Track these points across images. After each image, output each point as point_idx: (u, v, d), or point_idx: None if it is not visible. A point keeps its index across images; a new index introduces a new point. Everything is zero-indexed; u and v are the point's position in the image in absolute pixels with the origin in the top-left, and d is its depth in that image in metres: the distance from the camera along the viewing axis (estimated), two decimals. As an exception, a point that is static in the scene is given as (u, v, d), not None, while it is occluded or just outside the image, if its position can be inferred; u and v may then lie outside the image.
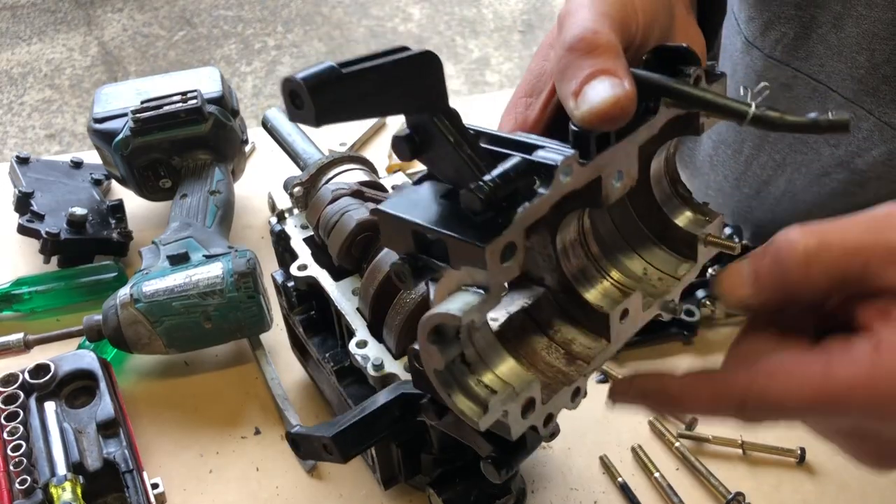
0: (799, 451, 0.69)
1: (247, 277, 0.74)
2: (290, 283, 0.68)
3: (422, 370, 0.40)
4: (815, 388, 0.35)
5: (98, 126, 0.90)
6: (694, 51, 0.42)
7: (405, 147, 0.37)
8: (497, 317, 0.43)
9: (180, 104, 0.88)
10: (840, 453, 0.42)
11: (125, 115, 0.88)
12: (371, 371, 0.56)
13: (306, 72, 0.31)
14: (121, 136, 0.88)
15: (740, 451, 0.70)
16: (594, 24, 0.39)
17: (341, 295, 0.63)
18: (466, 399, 0.39)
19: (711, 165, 0.89)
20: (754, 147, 0.81)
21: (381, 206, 0.38)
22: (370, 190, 0.67)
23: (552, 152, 0.37)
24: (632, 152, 0.40)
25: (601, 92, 0.37)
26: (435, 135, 0.36)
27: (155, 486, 0.66)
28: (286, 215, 0.71)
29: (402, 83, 0.34)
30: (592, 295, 0.43)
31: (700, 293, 0.81)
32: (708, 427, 0.71)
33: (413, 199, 0.38)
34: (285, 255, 0.70)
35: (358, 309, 0.61)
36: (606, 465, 0.69)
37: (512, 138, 0.39)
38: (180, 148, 0.89)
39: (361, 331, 0.59)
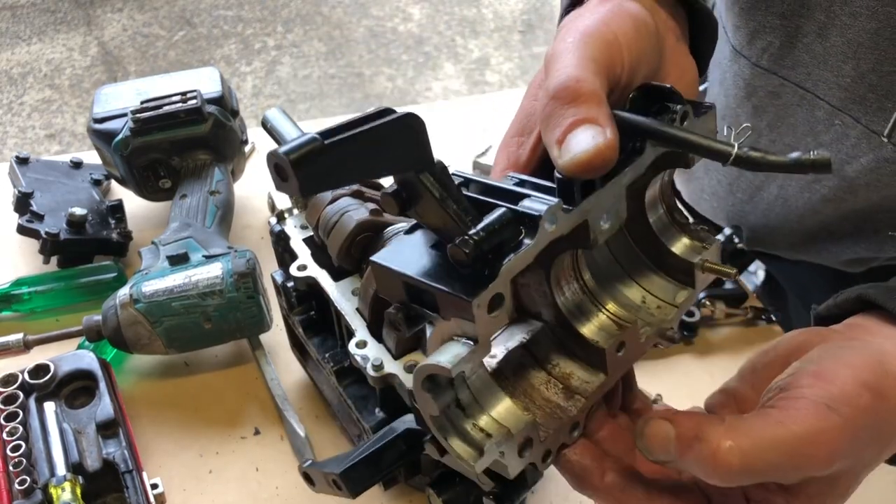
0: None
1: (246, 278, 0.74)
2: (290, 284, 0.68)
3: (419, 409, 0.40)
4: None
5: (98, 126, 0.90)
6: (676, 91, 0.42)
7: (393, 203, 0.37)
8: (496, 353, 0.44)
9: (180, 104, 0.88)
10: None
11: (125, 115, 0.88)
12: (371, 371, 0.57)
13: (289, 145, 0.31)
14: (120, 136, 0.88)
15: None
16: (578, 71, 0.40)
17: (341, 295, 0.63)
18: (462, 443, 0.40)
19: (705, 170, 0.89)
20: None
21: (374, 258, 0.39)
22: (370, 190, 0.67)
23: (537, 202, 0.38)
24: (619, 194, 0.41)
25: (583, 142, 0.37)
26: (421, 191, 0.36)
27: (154, 486, 0.66)
28: (286, 215, 0.71)
29: (386, 146, 0.34)
30: (588, 329, 0.44)
31: (700, 294, 0.81)
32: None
33: (405, 250, 0.39)
34: (285, 255, 0.70)
35: (357, 309, 0.61)
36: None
37: (499, 186, 0.40)
38: (180, 148, 0.89)
39: (361, 331, 0.59)
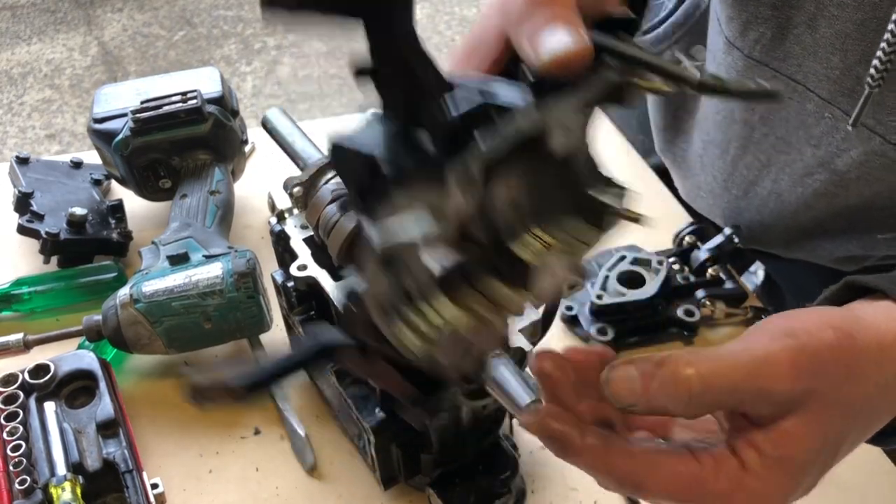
0: (799, 451, 0.69)
1: (246, 277, 0.74)
2: (290, 283, 0.68)
3: (357, 312, 0.40)
4: (684, 487, 0.41)
5: (98, 126, 0.89)
6: (636, 19, 0.43)
7: (363, 76, 0.36)
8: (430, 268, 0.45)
9: (180, 104, 0.88)
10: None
11: (125, 115, 0.88)
12: None
13: None
14: (120, 136, 0.87)
15: (740, 451, 0.70)
16: None
17: (341, 295, 0.63)
18: (407, 330, 0.41)
19: (702, 166, 0.89)
20: (740, 147, 0.81)
21: (335, 139, 0.38)
22: None
23: (511, 96, 0.37)
24: (577, 110, 0.41)
25: (561, 39, 0.38)
26: (397, 63, 0.35)
27: (155, 486, 0.66)
28: (286, 215, 0.71)
29: None
30: (519, 248, 0.45)
31: (700, 293, 0.81)
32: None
33: (368, 134, 0.38)
34: (285, 255, 0.70)
35: None
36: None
37: (471, 80, 0.40)
38: (180, 148, 0.89)
39: None
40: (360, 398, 0.64)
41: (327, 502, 0.69)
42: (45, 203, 0.90)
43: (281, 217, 0.70)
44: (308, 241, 0.68)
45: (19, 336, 0.76)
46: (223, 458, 0.73)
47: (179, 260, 0.78)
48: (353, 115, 1.14)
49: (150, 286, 0.74)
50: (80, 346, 0.79)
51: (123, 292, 0.75)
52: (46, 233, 0.86)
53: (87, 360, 0.73)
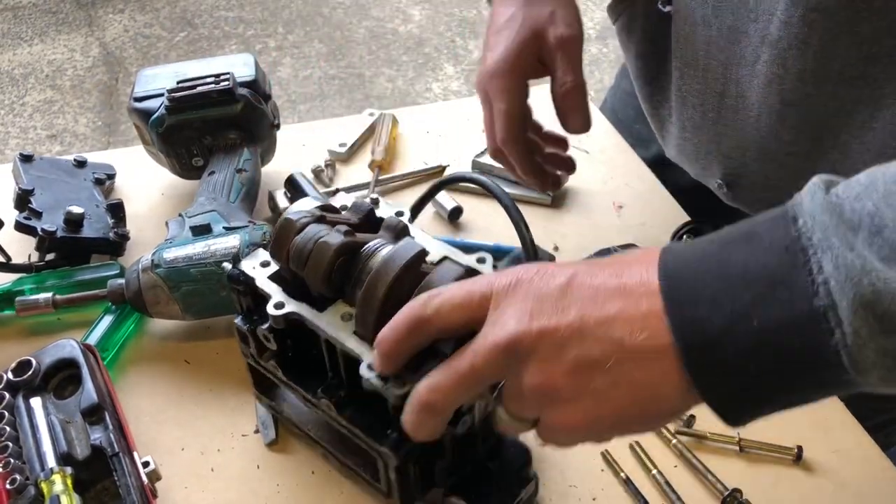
0: (796, 449, 0.69)
1: (262, 249, 0.76)
2: (264, 326, 0.62)
3: None
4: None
5: (137, 105, 0.94)
6: None
7: None
8: None
9: (213, 85, 0.91)
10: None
11: (162, 94, 0.92)
12: (395, 391, 0.53)
13: None
14: (157, 113, 0.92)
15: (737, 447, 0.70)
16: None
17: (330, 324, 0.59)
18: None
19: (682, 99, 0.88)
20: (705, 54, 0.81)
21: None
22: (331, 214, 0.64)
23: None
24: None
25: None
26: None
27: (146, 464, 0.65)
28: (241, 257, 0.66)
29: None
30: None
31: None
32: (706, 423, 0.71)
33: None
34: (245, 298, 0.64)
35: (356, 332, 0.58)
36: (609, 462, 0.70)
37: None
38: (212, 127, 0.93)
39: (367, 355, 0.56)
40: (368, 425, 0.60)
41: (328, 500, 0.69)
42: (44, 201, 0.90)
43: (236, 259, 0.65)
44: (274, 277, 0.63)
45: (48, 295, 0.82)
46: (224, 455, 0.73)
47: (202, 231, 0.82)
48: (352, 117, 1.15)
49: (171, 253, 0.79)
50: (105, 310, 0.83)
51: (146, 257, 0.79)
52: (42, 230, 0.86)
53: (69, 348, 0.72)
